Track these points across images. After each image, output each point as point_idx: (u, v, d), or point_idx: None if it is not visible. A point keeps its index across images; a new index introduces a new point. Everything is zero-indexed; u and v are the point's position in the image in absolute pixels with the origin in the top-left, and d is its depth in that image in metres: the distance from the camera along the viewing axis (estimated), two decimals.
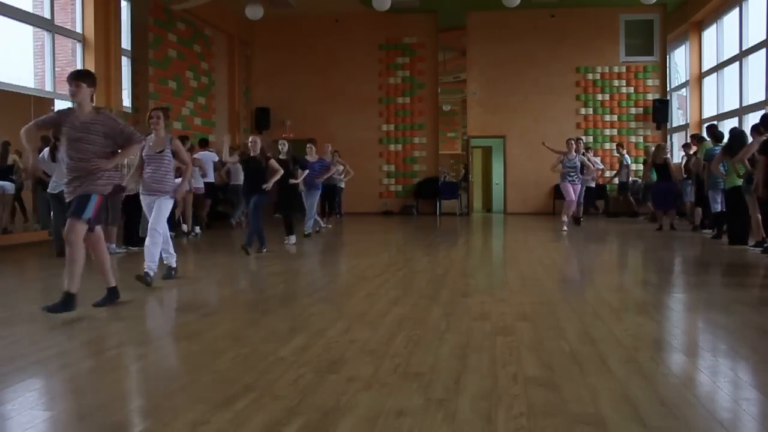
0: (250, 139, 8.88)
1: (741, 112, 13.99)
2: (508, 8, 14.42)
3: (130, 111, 13.61)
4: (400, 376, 3.30)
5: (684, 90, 18.01)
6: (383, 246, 10.36)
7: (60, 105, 11.77)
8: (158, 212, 6.29)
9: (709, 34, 16.56)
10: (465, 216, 17.79)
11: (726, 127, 12.63)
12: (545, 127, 17.43)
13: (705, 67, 16.76)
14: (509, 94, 18.13)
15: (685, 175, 13.16)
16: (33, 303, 5.48)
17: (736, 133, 9.77)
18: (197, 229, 11.62)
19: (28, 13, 11.41)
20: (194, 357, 3.78)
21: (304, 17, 18.23)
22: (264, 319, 4.81)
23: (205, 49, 16.68)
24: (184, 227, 11.36)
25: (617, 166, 16.53)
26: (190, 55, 15.93)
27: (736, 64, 14.47)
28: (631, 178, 16.46)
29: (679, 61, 18.62)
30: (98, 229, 5.15)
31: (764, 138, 8.36)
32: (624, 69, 17.94)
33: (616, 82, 17.98)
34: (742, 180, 9.11)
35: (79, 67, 12.47)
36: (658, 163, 12.27)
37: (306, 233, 11.07)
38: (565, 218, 12.34)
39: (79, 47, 12.48)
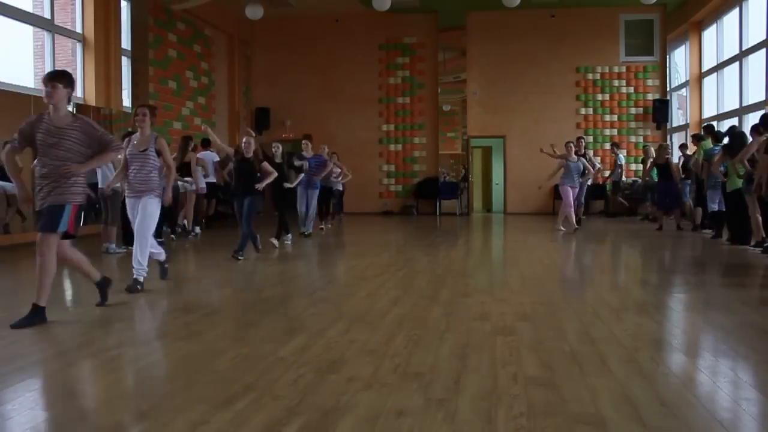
0: (243, 140, 8.65)
1: (741, 112, 13.99)
2: (508, 8, 14.41)
3: (130, 111, 13.61)
4: (400, 376, 3.30)
5: (684, 90, 18.00)
6: (383, 246, 10.36)
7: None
8: (145, 216, 5.98)
9: (709, 34, 16.55)
10: (465, 216, 17.79)
11: (726, 127, 12.60)
12: (545, 127, 17.44)
13: (705, 67, 16.75)
14: (509, 94, 18.12)
15: (683, 175, 13.16)
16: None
17: (736, 133, 9.77)
18: (197, 229, 11.62)
19: (28, 13, 11.41)
20: (194, 357, 3.78)
21: (304, 17, 18.23)
22: (264, 319, 4.81)
23: (205, 49, 16.68)
24: (185, 223, 11.38)
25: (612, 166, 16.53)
26: (190, 55, 15.93)
27: (736, 64, 14.47)
28: (624, 178, 16.44)
29: (679, 61, 18.61)
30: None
31: (764, 138, 8.35)
32: (624, 69, 17.94)
33: (616, 82, 17.98)
34: (742, 180, 9.12)
35: (79, 67, 12.48)
36: (660, 163, 12.25)
37: (306, 233, 10.98)
38: (560, 226, 12.09)
39: (79, 47, 12.48)
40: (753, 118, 12.10)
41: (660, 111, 17.59)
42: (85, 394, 3.24)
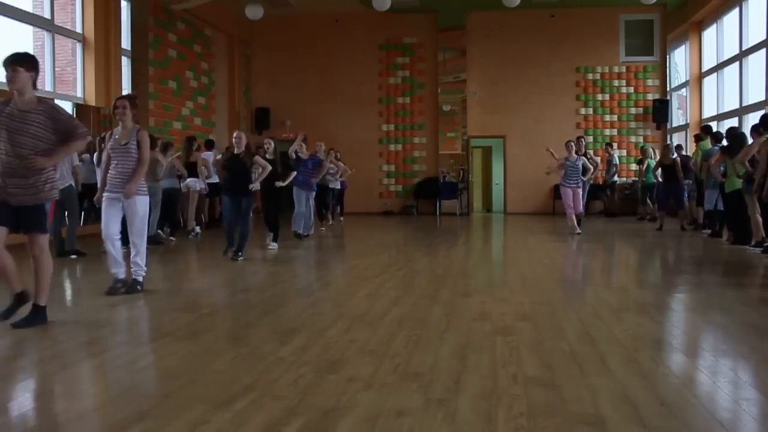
0: (234, 135, 8.32)
1: (741, 112, 13.99)
2: (508, 8, 14.40)
3: None
4: (400, 376, 3.30)
5: (684, 90, 18.00)
6: (383, 246, 10.36)
7: (60, 105, 11.77)
8: (135, 219, 5.69)
9: (709, 34, 16.55)
10: (465, 216, 17.79)
11: (726, 127, 12.61)
12: (545, 127, 17.44)
13: (705, 67, 16.75)
14: (509, 94, 18.12)
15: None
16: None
17: (735, 134, 9.77)
18: (197, 228, 11.62)
19: (28, 13, 11.41)
20: (194, 357, 3.78)
21: (304, 17, 18.23)
22: (264, 319, 4.81)
23: (205, 49, 16.68)
24: (197, 228, 11.46)
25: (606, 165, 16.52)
26: (190, 55, 15.92)
27: (736, 64, 14.47)
28: (616, 178, 16.41)
29: (679, 61, 18.61)
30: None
31: (765, 139, 8.35)
32: (624, 69, 17.94)
33: (616, 82, 17.98)
34: (741, 181, 9.12)
35: (79, 67, 12.48)
36: (666, 163, 12.21)
37: (305, 234, 10.70)
38: (571, 225, 11.64)
39: (79, 47, 12.48)
40: (753, 118, 12.09)
41: (660, 111, 17.59)
42: (85, 394, 3.24)
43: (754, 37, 13.61)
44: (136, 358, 3.89)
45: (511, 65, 18.08)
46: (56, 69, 11.96)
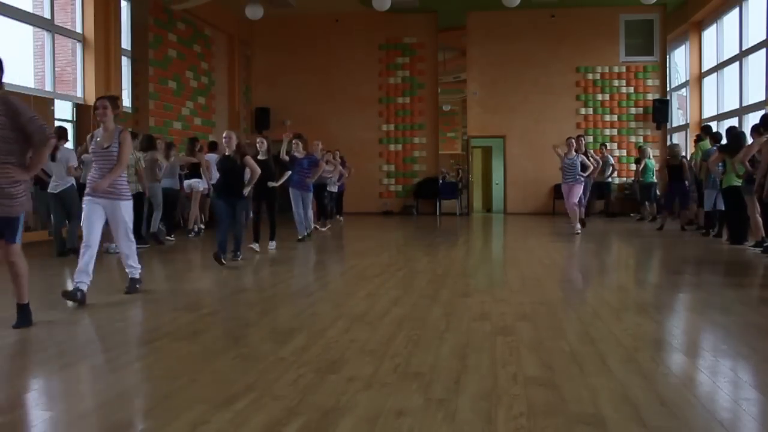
0: (224, 135, 7.95)
1: (741, 112, 14.00)
2: (508, 8, 14.39)
3: (130, 111, 13.62)
4: (400, 376, 3.30)
5: (684, 90, 18.01)
6: (383, 246, 10.36)
7: (60, 105, 11.80)
8: (119, 225, 5.48)
9: (709, 34, 16.56)
10: (465, 216, 17.79)
11: (726, 127, 12.61)
12: (545, 127, 17.44)
13: (705, 67, 16.76)
14: (509, 94, 18.12)
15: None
16: (32, 303, 5.47)
17: (735, 134, 9.78)
18: (200, 227, 11.67)
19: (28, 13, 11.41)
20: (194, 357, 3.78)
21: (304, 17, 18.23)
22: (264, 319, 4.81)
23: (205, 49, 16.68)
24: (200, 226, 11.49)
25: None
26: (190, 55, 15.93)
27: (736, 64, 14.47)
28: (609, 179, 16.40)
29: (679, 61, 18.62)
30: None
31: (765, 139, 8.36)
32: (624, 69, 17.94)
33: (616, 82, 17.98)
34: (741, 180, 9.13)
35: (79, 67, 12.49)
36: (674, 164, 12.19)
37: (299, 237, 10.34)
38: (576, 225, 11.67)
39: (79, 47, 12.49)
40: (753, 118, 12.10)
41: (660, 111, 17.59)
42: (85, 394, 3.24)
43: (754, 37, 13.62)
44: (137, 358, 3.90)
45: (511, 65, 18.08)
46: (56, 69, 11.96)
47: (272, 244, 9.20)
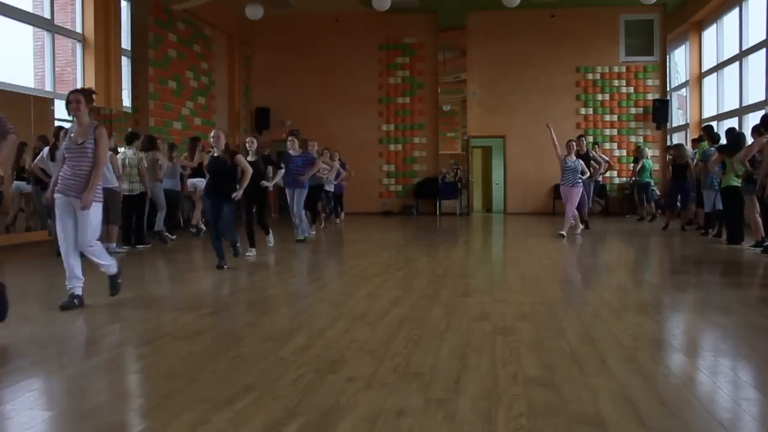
0: (211, 134, 7.60)
1: (741, 112, 14.00)
2: (508, 8, 14.39)
3: (130, 111, 13.62)
4: (400, 376, 3.30)
5: (684, 90, 18.01)
6: (383, 246, 10.35)
7: (60, 105, 11.78)
8: (86, 227, 5.09)
9: (709, 34, 16.56)
10: (465, 216, 17.79)
11: (726, 127, 12.62)
12: (545, 127, 17.41)
13: (705, 67, 16.76)
14: (509, 94, 18.12)
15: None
16: (33, 303, 5.48)
17: (735, 135, 9.78)
18: (202, 226, 11.71)
19: (28, 13, 11.42)
20: (194, 357, 3.78)
21: (304, 17, 18.23)
22: (264, 319, 4.81)
23: (205, 49, 16.68)
24: (201, 225, 11.53)
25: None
26: (190, 55, 15.93)
27: (736, 64, 14.48)
28: (600, 179, 16.39)
29: (679, 61, 18.62)
30: None
31: (766, 140, 8.37)
32: (624, 69, 17.94)
33: (616, 82, 17.98)
34: (740, 180, 9.13)
35: (79, 67, 12.48)
36: (680, 163, 12.16)
37: (299, 238, 10.11)
38: (576, 226, 11.33)
39: (79, 47, 12.49)
40: (753, 118, 12.11)
41: (660, 111, 17.60)
42: (85, 394, 3.24)
43: (754, 37, 13.62)
44: (137, 358, 3.90)
45: (511, 65, 18.08)
46: (56, 69, 11.96)
47: (270, 238, 9.26)
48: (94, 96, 5.31)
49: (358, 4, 17.10)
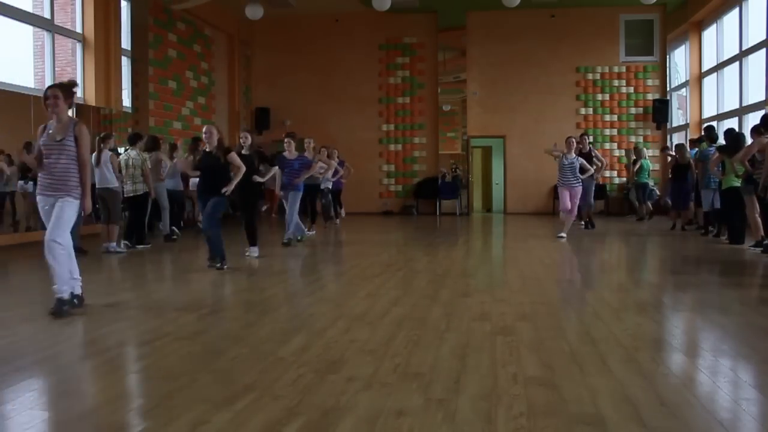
0: (204, 130, 7.38)
1: (741, 112, 14.00)
2: (508, 8, 14.39)
3: (130, 111, 13.62)
4: (400, 376, 3.30)
5: (684, 90, 18.01)
6: (383, 246, 10.35)
7: None
8: (59, 219, 4.82)
9: (709, 34, 16.56)
10: (465, 216, 17.79)
11: (726, 127, 12.63)
12: (545, 127, 17.43)
13: (705, 67, 16.76)
14: (509, 94, 18.12)
15: (669, 176, 13.37)
16: (32, 303, 5.48)
17: (734, 135, 9.79)
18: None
19: (28, 13, 11.42)
20: (194, 357, 3.78)
21: (304, 17, 18.23)
22: (264, 319, 4.80)
23: (205, 49, 16.68)
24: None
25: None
26: (190, 55, 15.93)
27: (736, 64, 14.48)
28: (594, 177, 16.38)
29: (679, 61, 18.62)
30: None
31: (766, 140, 8.37)
32: (624, 69, 17.94)
33: (616, 82, 17.98)
34: (740, 180, 9.14)
35: (79, 67, 12.48)
36: (683, 163, 12.16)
37: (284, 241, 9.64)
38: (563, 233, 10.77)
39: (79, 47, 12.49)
40: (753, 118, 12.11)
41: (660, 111, 17.60)
42: (85, 394, 3.24)
43: (754, 37, 13.62)
44: (136, 358, 3.90)
45: (511, 65, 18.08)
46: (56, 69, 11.96)
47: (254, 250, 8.35)
48: (75, 90, 5.09)
49: (358, 4, 17.10)
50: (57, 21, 11.97)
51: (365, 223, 15.18)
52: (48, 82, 11.80)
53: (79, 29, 12.49)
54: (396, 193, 18.76)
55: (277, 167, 9.46)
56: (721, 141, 10.68)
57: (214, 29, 17.02)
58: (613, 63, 17.95)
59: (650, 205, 15.24)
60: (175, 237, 10.50)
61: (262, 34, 18.63)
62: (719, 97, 15.65)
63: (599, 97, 18.03)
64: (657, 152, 17.40)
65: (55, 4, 11.84)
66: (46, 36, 11.77)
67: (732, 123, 13.96)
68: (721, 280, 6.94)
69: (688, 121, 17.34)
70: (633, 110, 17.98)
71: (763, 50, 13.03)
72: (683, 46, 17.91)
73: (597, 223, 13.09)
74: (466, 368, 3.44)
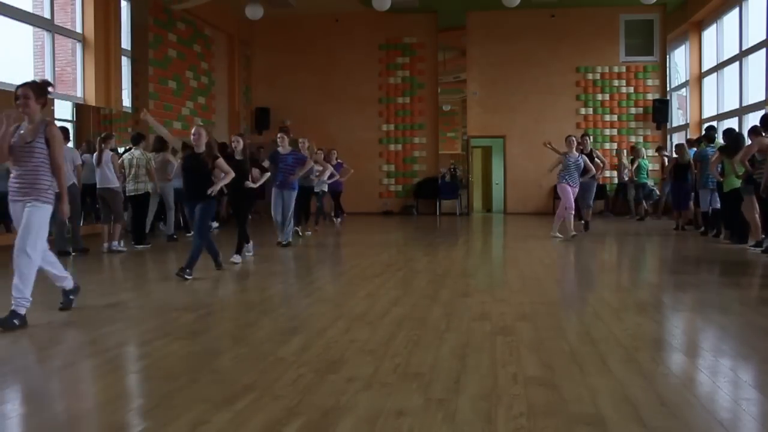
0: (192, 131, 7.02)
1: (741, 112, 14.00)
2: (508, 8, 14.38)
3: (130, 111, 13.62)
4: (400, 376, 3.30)
5: (684, 90, 18.01)
6: (383, 246, 10.35)
7: (60, 105, 11.79)
8: (29, 228, 4.53)
9: (709, 34, 16.56)
10: (465, 216, 17.79)
11: (726, 127, 12.63)
12: (545, 127, 17.41)
13: (705, 67, 16.76)
14: (509, 94, 18.12)
15: (665, 176, 13.32)
16: (33, 303, 5.47)
17: (734, 135, 9.80)
18: (214, 224, 11.89)
19: (28, 13, 11.41)
20: (194, 357, 3.78)
21: (304, 17, 18.23)
22: (264, 319, 4.80)
23: (205, 49, 16.68)
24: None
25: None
26: (190, 55, 15.93)
27: (736, 64, 14.47)
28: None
29: (679, 61, 18.62)
30: None
31: (767, 140, 8.38)
32: (624, 69, 17.93)
33: (616, 82, 17.97)
34: (740, 180, 9.14)
35: (79, 67, 12.48)
36: (682, 163, 12.16)
37: (284, 242, 9.52)
38: (556, 233, 10.72)
39: (79, 47, 12.48)
40: (753, 118, 12.10)
41: (660, 111, 17.59)
42: (85, 394, 3.24)
43: (754, 37, 13.62)
44: (136, 358, 3.90)
45: (511, 65, 18.07)
46: (56, 69, 11.96)
47: (237, 258, 7.91)
48: (50, 89, 4.77)
49: (358, 4, 17.10)
50: (57, 21, 11.97)
51: (365, 223, 15.18)
52: None
53: (79, 29, 12.48)
54: (396, 193, 18.76)
55: (269, 173, 9.02)
56: (720, 141, 10.67)
57: (214, 29, 17.01)
58: (613, 63, 17.95)
59: (645, 205, 15.27)
60: (176, 237, 10.57)
61: (262, 34, 18.62)
62: (719, 97, 15.65)
63: (599, 97, 18.02)
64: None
65: (55, 4, 11.83)
66: (46, 36, 11.77)
67: (732, 123, 13.95)
68: (721, 280, 6.94)
69: (688, 121, 17.34)
70: (633, 110, 17.98)
71: (763, 50, 13.03)
72: (683, 46, 17.91)
73: (597, 223, 13.10)
74: (466, 368, 3.44)
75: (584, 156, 10.92)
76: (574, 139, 10.78)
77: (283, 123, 18.26)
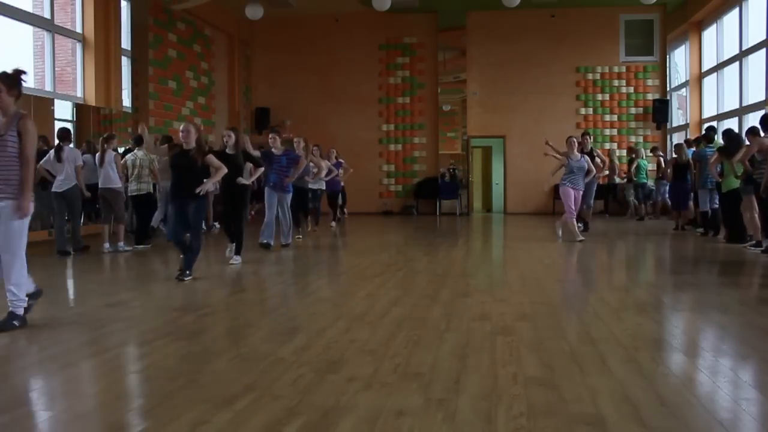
0: (181, 128, 6.74)
1: (741, 112, 14.00)
2: (508, 8, 14.37)
3: (130, 111, 13.62)
4: (400, 376, 3.30)
5: (684, 90, 18.01)
6: (383, 246, 10.35)
7: (60, 105, 11.79)
8: (9, 233, 4.36)
9: (709, 34, 16.56)
10: (465, 216, 17.79)
11: (726, 127, 12.63)
12: (545, 127, 17.37)
13: (705, 67, 16.76)
14: (509, 94, 18.12)
15: (660, 176, 13.58)
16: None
17: (733, 136, 9.80)
18: (216, 224, 11.97)
19: (28, 13, 11.41)
20: (194, 357, 3.78)
21: (304, 17, 18.23)
22: (264, 319, 4.81)
23: (205, 49, 16.68)
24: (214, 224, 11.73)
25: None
26: (190, 55, 15.93)
27: (736, 64, 14.47)
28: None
29: (679, 61, 18.62)
30: None
31: (767, 141, 8.39)
32: (624, 69, 17.93)
33: (616, 82, 17.97)
34: (739, 181, 9.15)
35: (79, 67, 12.48)
36: (681, 163, 12.16)
37: (284, 243, 9.39)
38: (560, 232, 10.60)
39: (79, 47, 12.49)
40: (753, 119, 12.11)
41: (660, 111, 17.60)
42: (85, 394, 3.24)
43: (754, 37, 13.62)
44: (136, 358, 3.90)
45: (511, 65, 18.07)
46: (56, 69, 11.97)
47: (236, 259, 7.75)
48: (23, 79, 4.47)
49: (358, 4, 17.10)
50: (57, 21, 11.97)
51: (365, 223, 15.18)
52: (48, 82, 11.81)
53: (79, 29, 12.49)
54: (396, 193, 18.76)
55: (262, 169, 8.60)
56: (719, 142, 10.67)
57: (214, 29, 17.01)
58: (613, 63, 17.95)
59: (641, 204, 15.32)
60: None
61: (262, 34, 18.63)
62: (719, 97, 15.65)
63: (599, 97, 18.02)
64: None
65: (55, 4, 11.84)
66: (46, 36, 11.77)
67: (732, 123, 13.95)
68: (720, 280, 6.94)
69: (688, 121, 17.34)
70: (633, 110, 17.98)
71: (763, 50, 13.03)
72: (683, 46, 17.90)
73: (596, 224, 13.10)
74: (466, 368, 3.44)
75: (586, 156, 10.68)
76: (575, 140, 10.48)
77: (281, 123, 18.28)
